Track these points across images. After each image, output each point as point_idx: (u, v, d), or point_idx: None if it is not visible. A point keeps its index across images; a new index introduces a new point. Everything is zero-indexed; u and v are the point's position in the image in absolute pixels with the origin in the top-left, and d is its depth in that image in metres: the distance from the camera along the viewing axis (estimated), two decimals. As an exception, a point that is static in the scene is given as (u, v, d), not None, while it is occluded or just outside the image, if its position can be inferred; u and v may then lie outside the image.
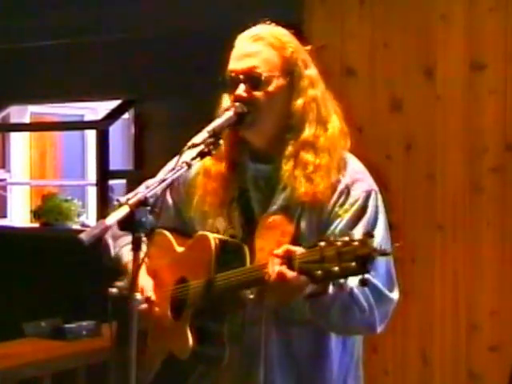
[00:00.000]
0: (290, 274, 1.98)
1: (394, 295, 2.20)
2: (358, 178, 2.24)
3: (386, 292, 2.17)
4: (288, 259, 1.99)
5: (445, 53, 4.31)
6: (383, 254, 1.89)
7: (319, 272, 1.91)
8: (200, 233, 2.31)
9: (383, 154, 4.44)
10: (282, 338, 2.25)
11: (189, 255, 2.34)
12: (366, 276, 1.89)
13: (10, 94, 6.91)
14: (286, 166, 2.23)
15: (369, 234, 1.87)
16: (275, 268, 2.00)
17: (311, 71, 2.29)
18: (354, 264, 1.86)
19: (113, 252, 2.46)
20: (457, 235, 4.29)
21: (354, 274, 1.88)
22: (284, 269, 1.99)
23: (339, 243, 1.89)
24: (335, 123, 2.28)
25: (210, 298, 2.21)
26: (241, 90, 2.22)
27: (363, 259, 1.86)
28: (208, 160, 2.25)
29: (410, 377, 4.40)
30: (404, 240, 4.32)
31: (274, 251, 2.04)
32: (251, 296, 2.20)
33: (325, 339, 2.28)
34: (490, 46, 4.22)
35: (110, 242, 2.47)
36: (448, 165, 4.32)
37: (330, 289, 2.03)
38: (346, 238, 1.89)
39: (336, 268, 1.88)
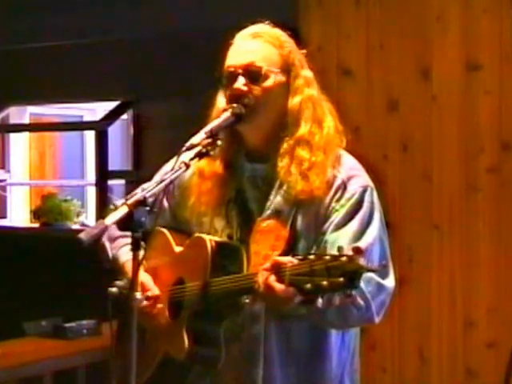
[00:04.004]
0: (278, 286, 2.00)
1: (390, 283, 2.20)
2: (353, 173, 2.27)
3: (381, 281, 2.17)
4: (276, 272, 2.01)
5: (440, 54, 4.33)
6: (370, 270, 1.91)
7: (308, 285, 1.93)
8: (197, 235, 2.32)
9: (380, 154, 4.46)
10: (281, 333, 2.27)
11: (186, 256, 2.35)
12: (353, 292, 1.91)
13: (9, 95, 6.92)
14: (282, 163, 2.25)
15: (357, 249, 1.88)
16: (264, 279, 2.03)
17: (307, 72, 2.33)
18: (342, 279, 1.87)
19: (110, 254, 2.47)
20: (453, 235, 4.31)
21: (343, 289, 1.90)
22: (272, 281, 2.02)
23: (327, 257, 1.90)
24: (330, 123, 2.30)
25: (205, 302, 2.23)
26: (240, 83, 2.24)
27: (351, 275, 1.87)
28: (202, 160, 2.26)
29: (408, 374, 4.42)
30: (400, 239, 4.35)
31: (263, 265, 2.06)
32: (247, 300, 2.21)
33: (324, 335, 2.29)
34: (485, 46, 4.23)
35: (107, 244, 2.48)
36: (444, 165, 4.34)
37: (319, 302, 2.04)
38: (335, 252, 1.90)
39: (325, 282, 1.89)
